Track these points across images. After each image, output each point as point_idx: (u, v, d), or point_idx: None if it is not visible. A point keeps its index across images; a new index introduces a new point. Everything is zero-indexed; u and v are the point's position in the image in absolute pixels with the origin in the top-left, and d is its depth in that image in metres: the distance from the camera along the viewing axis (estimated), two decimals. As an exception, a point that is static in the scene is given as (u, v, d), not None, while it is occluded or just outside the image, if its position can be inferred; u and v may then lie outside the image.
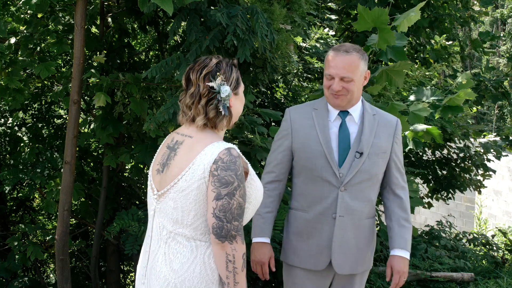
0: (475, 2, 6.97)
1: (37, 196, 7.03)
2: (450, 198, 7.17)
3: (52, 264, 7.21)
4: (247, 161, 2.11)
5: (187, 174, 1.99)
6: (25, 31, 4.67)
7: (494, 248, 7.40)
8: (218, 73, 2.04)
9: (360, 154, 2.69)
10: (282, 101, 6.09)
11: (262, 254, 2.83)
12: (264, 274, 2.86)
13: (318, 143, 2.72)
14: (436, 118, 4.49)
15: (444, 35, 6.75)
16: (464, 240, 7.61)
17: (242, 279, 2.00)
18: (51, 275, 7.43)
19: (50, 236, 5.10)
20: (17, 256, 4.86)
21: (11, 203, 6.68)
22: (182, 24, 3.82)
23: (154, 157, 2.22)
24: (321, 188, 2.74)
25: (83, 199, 5.49)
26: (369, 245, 2.84)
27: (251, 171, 2.11)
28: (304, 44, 5.89)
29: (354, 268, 2.79)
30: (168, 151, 2.11)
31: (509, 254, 7.19)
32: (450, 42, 7.04)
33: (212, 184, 1.95)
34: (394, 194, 2.83)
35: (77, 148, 4.35)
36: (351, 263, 2.77)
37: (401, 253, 2.74)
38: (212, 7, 3.85)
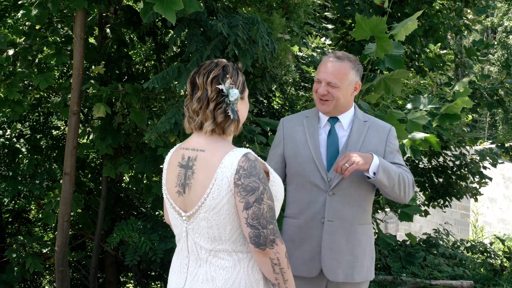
0: (469, 10, 7.04)
1: (33, 207, 7.00)
2: (446, 206, 7.20)
3: (48, 276, 7.17)
4: (264, 161, 2.07)
5: (213, 191, 1.92)
6: (23, 43, 4.68)
7: (492, 255, 7.42)
8: (227, 76, 1.98)
9: None
10: (279, 110, 6.12)
11: None
12: None
13: (307, 148, 2.74)
14: (433, 126, 4.52)
15: (439, 44, 6.81)
16: (462, 248, 7.62)
17: (290, 275, 1.99)
18: (46, 287, 7.38)
19: (49, 247, 5.07)
20: (16, 268, 4.83)
21: (7, 215, 6.64)
22: (181, 34, 3.84)
23: (164, 176, 2.13)
24: (309, 193, 2.73)
25: (80, 210, 5.48)
26: (366, 253, 2.77)
27: (270, 169, 2.07)
28: (300, 54, 5.92)
29: (350, 276, 2.71)
30: (183, 170, 2.02)
31: (507, 261, 7.21)
32: (445, 51, 7.11)
33: (238, 194, 1.90)
34: None
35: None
36: (346, 270, 2.71)
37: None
38: (211, 17, 3.87)
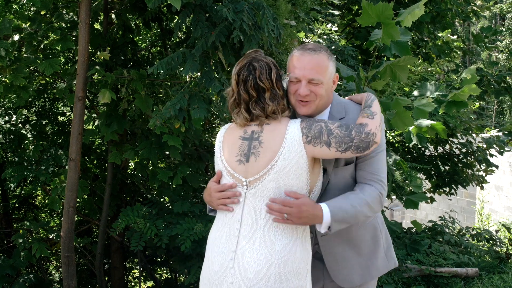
0: (477, -4, 6.98)
1: (39, 193, 7.03)
2: (452, 193, 7.18)
3: (54, 262, 7.22)
4: None
5: (284, 153, 2.14)
6: (28, 28, 4.66)
7: (498, 243, 7.40)
8: (281, 72, 2.26)
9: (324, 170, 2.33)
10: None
11: None
12: None
13: None
14: (440, 113, 4.49)
15: (449, 30, 6.75)
16: (467, 236, 7.61)
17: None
18: (53, 272, 7.44)
19: (55, 233, 5.10)
20: (22, 253, 4.87)
21: (14, 201, 6.68)
22: (186, 20, 3.81)
23: (219, 149, 2.31)
24: None
25: (86, 196, 5.49)
26: (380, 244, 2.53)
27: None
28: (306, 40, 5.88)
29: (367, 276, 2.50)
30: (246, 142, 2.22)
31: (513, 249, 7.20)
32: (455, 37, 7.04)
33: (314, 145, 2.14)
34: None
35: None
36: (362, 271, 2.49)
37: (323, 205, 2.19)
38: (216, 3, 3.84)
